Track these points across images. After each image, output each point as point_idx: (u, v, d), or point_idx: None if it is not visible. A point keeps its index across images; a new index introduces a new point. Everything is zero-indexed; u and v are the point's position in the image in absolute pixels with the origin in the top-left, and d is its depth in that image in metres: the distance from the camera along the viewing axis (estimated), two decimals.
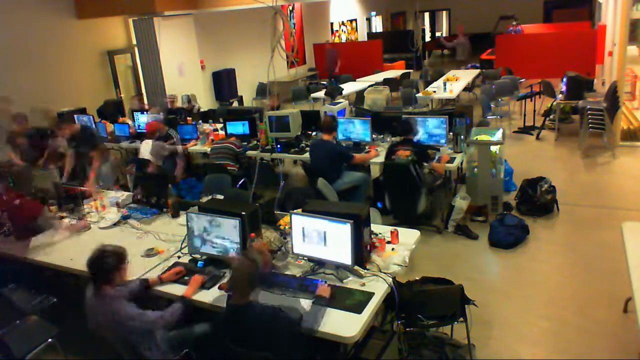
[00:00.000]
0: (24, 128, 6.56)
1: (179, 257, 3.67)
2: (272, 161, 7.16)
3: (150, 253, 3.74)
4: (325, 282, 3.10)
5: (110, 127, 7.87)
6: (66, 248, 3.99)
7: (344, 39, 18.39)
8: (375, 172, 6.02)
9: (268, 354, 2.58)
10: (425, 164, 5.17)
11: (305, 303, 2.92)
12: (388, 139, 6.09)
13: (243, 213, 3.43)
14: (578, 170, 6.91)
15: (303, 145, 6.20)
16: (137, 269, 3.49)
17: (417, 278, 3.63)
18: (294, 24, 15.05)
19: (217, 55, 11.70)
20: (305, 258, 3.40)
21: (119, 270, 2.92)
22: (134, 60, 10.21)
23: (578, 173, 6.81)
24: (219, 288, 3.19)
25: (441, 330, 3.58)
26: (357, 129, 6.06)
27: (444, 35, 24.05)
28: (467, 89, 10.94)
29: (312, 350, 2.87)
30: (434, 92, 9.50)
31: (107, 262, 2.86)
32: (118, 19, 10.01)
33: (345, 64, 14.23)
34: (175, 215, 4.36)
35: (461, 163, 5.67)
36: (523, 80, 10.49)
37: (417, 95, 9.79)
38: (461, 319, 3.25)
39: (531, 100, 8.99)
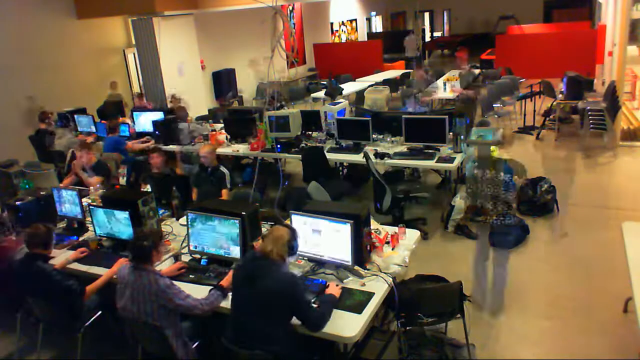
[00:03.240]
0: None
1: (177, 255, 3.67)
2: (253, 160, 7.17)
3: None
4: (326, 282, 3.11)
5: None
6: None
7: (344, 39, 18.39)
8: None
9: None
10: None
11: None
12: (388, 139, 6.09)
13: (243, 213, 3.43)
14: (578, 170, 6.91)
15: (303, 145, 6.20)
16: None
17: (413, 276, 3.63)
18: (294, 24, 15.05)
19: (217, 55, 11.71)
20: (305, 258, 3.40)
21: (156, 251, 3.03)
22: (135, 60, 10.22)
23: (578, 173, 6.81)
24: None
25: (441, 331, 3.58)
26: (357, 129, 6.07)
27: (444, 34, 24.07)
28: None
29: (310, 349, 2.88)
30: (434, 92, 9.50)
31: (146, 243, 2.97)
32: (118, 19, 10.02)
33: (345, 64, 14.24)
34: (178, 216, 4.36)
35: (461, 163, 5.67)
36: (523, 80, 10.49)
37: (417, 95, 9.77)
38: (458, 315, 3.25)
39: (531, 100, 8.99)
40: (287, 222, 3.57)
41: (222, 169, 5.25)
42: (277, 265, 2.74)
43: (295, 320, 2.74)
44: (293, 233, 2.90)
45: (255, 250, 2.91)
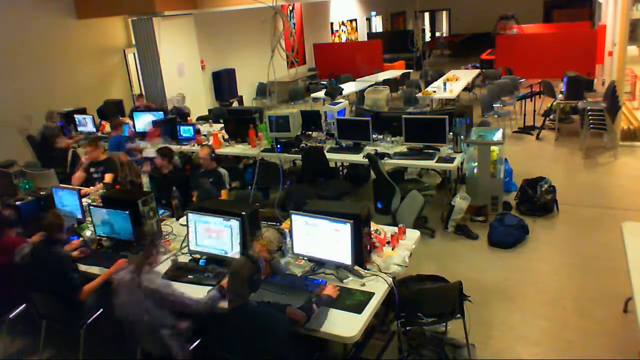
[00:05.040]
0: None
1: (176, 255, 3.67)
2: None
3: None
4: (325, 282, 3.11)
5: (108, 127, 7.90)
6: None
7: (344, 39, 18.39)
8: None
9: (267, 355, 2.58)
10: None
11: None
12: (388, 139, 6.09)
13: (243, 213, 3.43)
14: (578, 170, 6.91)
15: (303, 145, 6.20)
16: None
17: (413, 275, 3.64)
18: (294, 24, 15.05)
19: (217, 55, 11.71)
20: (305, 258, 3.40)
21: (154, 250, 3.04)
22: (135, 60, 10.22)
23: (578, 173, 6.81)
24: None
25: (441, 330, 3.58)
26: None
27: (444, 35, 24.05)
28: (467, 89, 10.94)
29: (308, 349, 2.87)
30: (434, 92, 9.51)
31: (148, 242, 3.02)
32: (118, 19, 10.03)
33: (345, 64, 14.24)
34: (178, 216, 4.36)
35: (461, 163, 5.67)
36: (523, 80, 10.50)
37: (417, 95, 9.80)
38: (458, 315, 3.25)
39: (531, 100, 8.99)
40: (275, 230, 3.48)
41: (221, 169, 5.26)
42: (245, 307, 2.59)
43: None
44: (255, 265, 2.71)
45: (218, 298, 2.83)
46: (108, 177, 5.42)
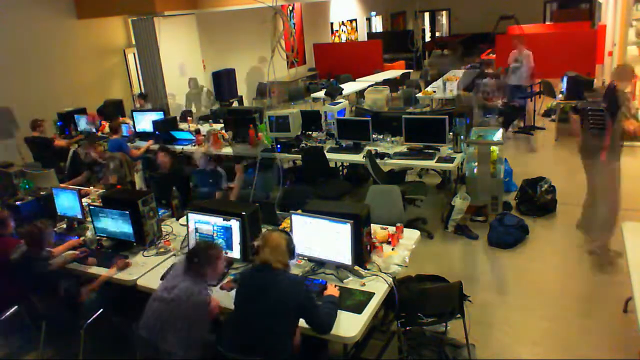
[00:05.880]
0: None
1: (176, 255, 3.67)
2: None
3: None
4: (326, 282, 3.11)
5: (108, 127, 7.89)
6: None
7: (344, 39, 18.39)
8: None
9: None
10: None
11: None
12: (388, 139, 6.09)
13: (243, 213, 3.43)
14: (578, 170, 6.88)
15: (303, 145, 6.20)
16: (138, 269, 3.55)
17: (412, 275, 3.64)
18: (294, 24, 15.05)
19: (217, 55, 11.70)
20: (305, 258, 3.40)
21: (212, 265, 2.91)
22: (135, 60, 10.23)
23: (578, 173, 6.78)
24: (221, 288, 3.19)
25: (441, 330, 3.58)
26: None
27: (444, 35, 24.04)
28: (467, 89, 10.92)
29: (308, 349, 2.87)
30: (434, 92, 9.50)
31: (200, 256, 2.88)
32: (118, 18, 10.03)
33: (345, 64, 14.24)
34: (178, 216, 4.37)
35: (461, 163, 5.67)
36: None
37: (417, 95, 9.80)
38: (458, 315, 3.25)
39: (531, 100, 8.98)
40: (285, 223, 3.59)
41: (219, 169, 5.27)
42: (281, 273, 2.71)
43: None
44: (289, 237, 2.86)
45: (255, 263, 2.85)
46: (114, 179, 5.47)
